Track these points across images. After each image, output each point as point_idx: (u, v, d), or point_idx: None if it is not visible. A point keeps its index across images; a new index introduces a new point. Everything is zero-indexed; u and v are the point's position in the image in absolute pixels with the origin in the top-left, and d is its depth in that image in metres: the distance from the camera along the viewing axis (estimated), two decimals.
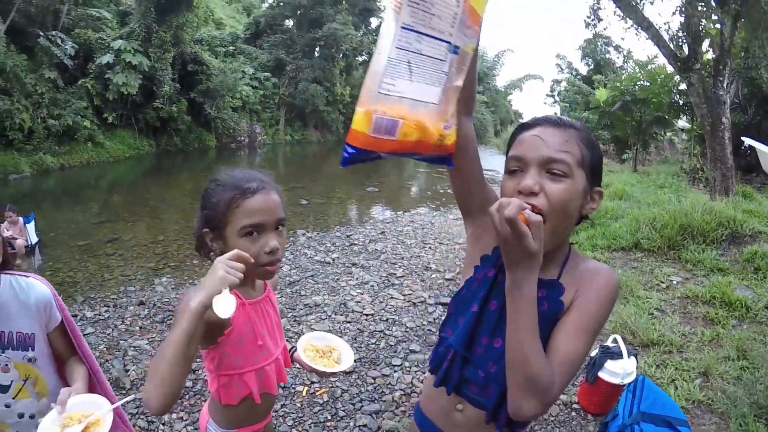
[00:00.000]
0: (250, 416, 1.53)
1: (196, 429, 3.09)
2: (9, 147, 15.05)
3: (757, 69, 12.73)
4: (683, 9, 9.66)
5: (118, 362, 3.90)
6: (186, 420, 3.19)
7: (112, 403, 1.47)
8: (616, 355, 3.18)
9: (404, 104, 1.03)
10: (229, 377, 1.42)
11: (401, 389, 3.61)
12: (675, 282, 5.37)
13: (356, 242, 7.76)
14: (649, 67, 16.65)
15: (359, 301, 5.25)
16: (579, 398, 3.39)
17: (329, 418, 3.25)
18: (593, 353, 3.29)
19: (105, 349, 4.14)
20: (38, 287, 1.55)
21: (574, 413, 3.33)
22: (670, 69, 13.61)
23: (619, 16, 10.91)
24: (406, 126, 1.03)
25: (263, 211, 1.33)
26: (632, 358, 3.20)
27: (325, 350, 1.64)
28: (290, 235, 7.92)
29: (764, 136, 14.07)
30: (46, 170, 15.73)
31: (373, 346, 4.29)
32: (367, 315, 4.93)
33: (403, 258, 6.93)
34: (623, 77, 18.61)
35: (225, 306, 1.16)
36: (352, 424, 3.21)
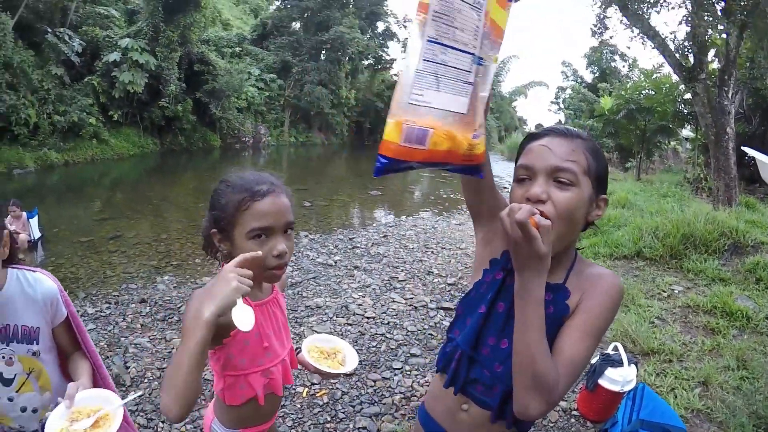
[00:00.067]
0: (255, 417, 1.53)
1: (195, 427, 3.10)
2: (14, 142, 15.12)
3: (762, 79, 12.71)
4: (689, 19, 9.65)
5: (118, 359, 3.91)
6: (186, 419, 3.18)
7: None
8: (617, 362, 3.18)
9: (433, 114, 1.05)
10: (235, 378, 1.42)
11: (401, 393, 3.62)
12: (676, 291, 5.37)
13: (359, 245, 7.77)
14: (654, 75, 16.63)
15: (361, 304, 5.26)
16: (578, 405, 3.39)
17: (329, 419, 3.26)
18: (594, 360, 3.30)
19: (106, 345, 4.15)
20: (45, 282, 1.56)
21: (573, 420, 3.33)
22: (675, 78, 13.61)
23: (625, 24, 10.92)
24: (436, 135, 1.06)
25: (272, 214, 1.32)
26: (632, 366, 3.20)
27: (330, 352, 1.65)
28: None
29: None
30: (51, 166, 15.80)
31: (374, 349, 4.29)
32: (368, 318, 4.93)
33: (405, 262, 6.94)
34: (628, 85, 18.60)
35: (245, 319, 1.19)
36: (351, 426, 3.21)
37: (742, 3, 8.86)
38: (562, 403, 3.48)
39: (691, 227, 6.36)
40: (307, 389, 3.54)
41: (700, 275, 5.73)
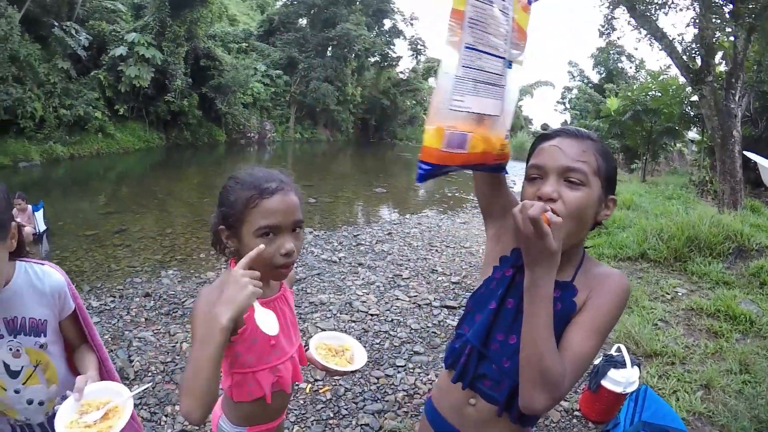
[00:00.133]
0: (264, 414, 1.53)
1: None
2: (20, 135, 15.17)
3: None
4: (697, 21, 9.62)
5: (122, 353, 3.92)
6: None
7: None
8: (620, 364, 3.18)
9: (471, 118, 1.10)
10: (243, 375, 1.41)
11: (404, 390, 3.63)
12: (680, 293, 5.37)
13: (363, 242, 7.78)
14: (661, 77, 16.58)
15: (365, 301, 5.27)
16: (581, 405, 3.40)
17: (332, 415, 3.27)
18: (597, 361, 3.30)
19: (110, 339, 4.17)
20: (53, 275, 1.56)
21: (575, 420, 3.34)
22: (682, 80, 13.57)
23: (632, 25, 10.90)
24: (474, 139, 1.10)
25: (281, 212, 1.30)
26: (635, 367, 3.21)
27: (338, 349, 1.64)
28: None
29: None
30: (56, 159, 15.85)
31: (378, 346, 4.30)
32: (372, 315, 4.94)
33: (409, 260, 6.94)
34: (635, 87, 18.55)
35: (270, 322, 1.24)
36: (354, 422, 3.22)
37: (751, 6, 8.82)
38: (564, 404, 3.48)
39: (695, 230, 6.35)
40: (310, 385, 3.55)
41: (704, 278, 5.73)
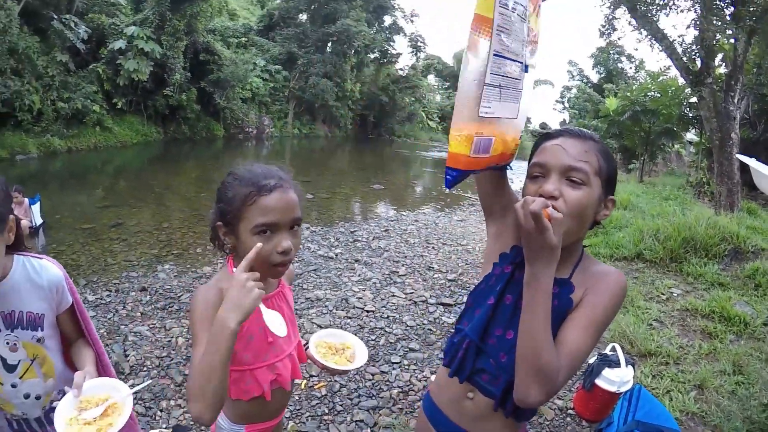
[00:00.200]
0: (262, 413, 1.52)
1: None
2: (18, 128, 15.12)
3: None
4: (698, 23, 9.63)
5: (118, 347, 3.92)
6: (184, 407, 3.21)
7: None
8: (614, 363, 3.19)
9: (495, 123, 1.13)
10: (240, 373, 1.40)
11: (399, 387, 3.64)
12: (675, 294, 5.38)
13: (360, 239, 7.78)
14: (660, 78, 16.58)
15: (361, 298, 5.28)
16: (575, 404, 3.41)
17: (326, 411, 3.28)
18: (591, 360, 3.31)
19: (105, 333, 4.16)
20: (51, 269, 1.56)
21: (569, 419, 3.35)
22: (681, 81, 13.58)
23: (633, 26, 10.91)
24: (496, 142, 1.15)
25: (279, 210, 1.29)
26: (629, 367, 3.22)
27: (339, 347, 1.63)
28: None
29: None
30: (54, 152, 15.81)
31: (373, 342, 4.31)
32: (368, 311, 4.95)
33: (406, 257, 6.95)
34: (634, 87, 18.57)
35: (278, 324, 1.27)
36: (349, 418, 3.23)
37: (752, 9, 8.84)
38: (559, 402, 3.49)
39: (692, 231, 6.36)
40: (305, 381, 3.55)
41: (699, 279, 5.74)
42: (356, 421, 3.21)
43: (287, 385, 1.51)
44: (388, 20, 40.17)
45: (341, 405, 3.36)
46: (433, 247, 7.56)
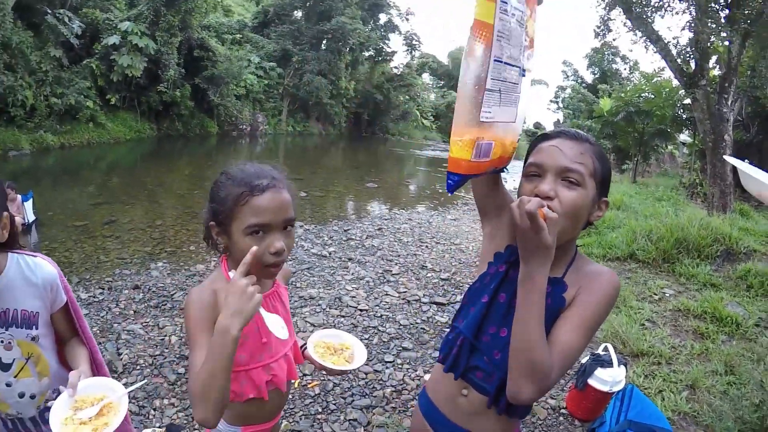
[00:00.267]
0: (259, 414, 1.51)
1: (187, 415, 3.11)
2: (10, 123, 15.04)
3: (762, 88, 12.76)
4: (693, 25, 9.67)
5: (111, 345, 3.90)
6: (177, 406, 3.21)
7: None
8: (607, 363, 3.20)
9: (495, 127, 1.16)
10: (235, 374, 1.38)
11: (392, 386, 3.64)
12: (668, 294, 5.41)
13: (353, 237, 7.78)
14: (654, 79, 16.66)
15: (354, 296, 5.28)
16: (567, 404, 3.42)
17: (320, 410, 3.28)
18: (584, 360, 3.33)
19: (98, 331, 4.14)
20: (46, 267, 1.56)
21: (562, 418, 3.36)
22: (675, 83, 13.65)
23: (628, 27, 10.94)
24: (495, 146, 1.17)
25: (271, 210, 1.28)
26: (622, 367, 3.23)
27: (337, 348, 1.63)
28: None
29: (765, 154, 14.14)
30: (46, 148, 15.73)
31: (366, 341, 4.31)
32: (361, 310, 4.95)
33: (399, 255, 6.96)
34: (628, 88, 18.65)
35: (280, 327, 1.27)
36: (342, 417, 3.23)
37: (746, 12, 8.88)
38: (551, 402, 3.51)
39: (684, 232, 6.39)
40: (298, 381, 3.55)
41: (691, 280, 5.77)
42: (349, 419, 3.21)
43: (283, 386, 1.50)
44: (383, 18, 40.18)
45: (335, 404, 3.36)
46: (426, 246, 7.57)
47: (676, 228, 6.50)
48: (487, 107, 1.11)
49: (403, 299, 5.33)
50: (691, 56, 10.13)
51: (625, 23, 11.03)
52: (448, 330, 1.48)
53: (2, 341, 1.49)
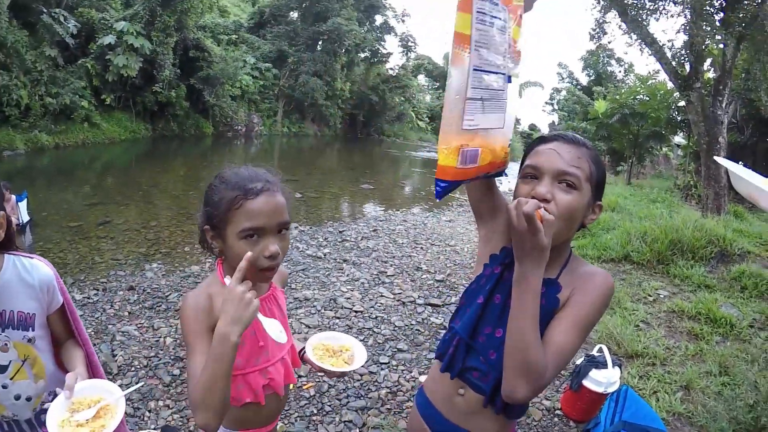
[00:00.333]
0: (257, 419, 1.51)
1: (183, 417, 3.10)
2: (5, 123, 14.99)
3: (756, 91, 12.82)
4: (688, 28, 9.71)
5: (105, 347, 3.89)
6: (173, 408, 3.20)
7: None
8: (601, 364, 3.21)
9: (480, 134, 1.18)
10: (232, 378, 1.34)
11: (387, 387, 3.64)
12: (662, 296, 5.42)
13: (348, 238, 7.78)
14: (649, 82, 16.74)
15: (349, 298, 5.27)
16: (562, 405, 3.43)
17: (315, 412, 3.28)
18: (578, 361, 3.33)
19: (93, 333, 4.12)
20: (42, 269, 1.55)
21: (556, 419, 3.37)
22: (670, 85, 13.70)
23: (623, 30, 10.98)
24: (483, 152, 1.19)
25: (265, 213, 1.27)
26: (616, 368, 3.24)
27: (336, 349, 1.62)
28: None
29: (760, 157, 14.22)
30: (41, 148, 15.67)
31: (361, 343, 4.29)
32: (356, 312, 4.95)
33: (394, 257, 6.96)
34: (623, 90, 18.71)
35: (279, 331, 1.28)
36: (337, 419, 3.23)
37: (741, 15, 8.93)
38: (546, 403, 3.51)
39: (679, 233, 6.40)
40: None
41: (686, 281, 5.78)
42: (345, 421, 3.21)
43: (280, 390, 1.49)
44: (379, 19, 40.17)
45: (330, 405, 3.36)
46: (421, 248, 7.57)
47: (671, 230, 6.52)
48: (470, 115, 1.13)
49: (398, 301, 5.33)
50: (686, 59, 10.18)
51: (620, 26, 11.08)
52: (443, 331, 1.49)
53: None
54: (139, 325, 4.34)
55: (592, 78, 32.91)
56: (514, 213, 1.10)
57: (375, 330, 4.58)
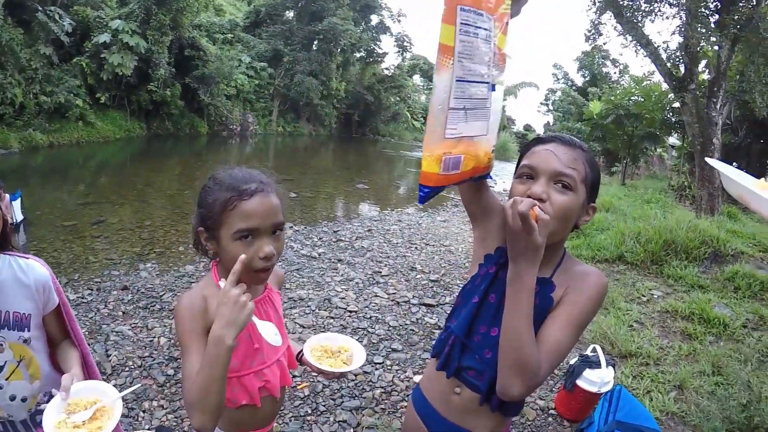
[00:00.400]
0: (252, 421, 1.50)
1: (177, 417, 3.10)
2: None
3: (751, 93, 12.84)
4: (683, 29, 9.75)
5: (99, 347, 3.88)
6: (167, 408, 3.19)
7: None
8: (595, 364, 3.22)
9: (464, 142, 1.20)
10: (228, 380, 1.32)
11: (382, 387, 3.64)
12: (656, 296, 5.44)
13: (343, 238, 7.77)
14: (644, 83, 16.76)
15: (344, 298, 5.27)
16: (556, 404, 3.44)
17: (309, 412, 3.27)
18: (572, 361, 3.34)
19: (87, 332, 4.10)
20: (38, 269, 1.54)
21: (551, 419, 3.38)
22: (665, 87, 13.75)
23: (618, 31, 11.01)
24: (465, 159, 1.21)
25: (259, 214, 1.27)
26: (610, 368, 3.25)
27: (334, 350, 1.61)
28: None
29: (753, 158, 14.29)
30: (35, 147, 15.60)
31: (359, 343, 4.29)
32: (350, 312, 4.94)
33: (388, 257, 6.96)
34: (618, 91, 18.73)
35: (274, 334, 1.28)
36: (332, 419, 3.23)
37: (736, 17, 8.96)
38: (540, 402, 3.52)
39: (673, 234, 6.43)
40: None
41: (679, 281, 5.81)
42: (339, 421, 3.21)
43: (276, 392, 1.48)
44: (374, 19, 40.15)
45: (324, 405, 3.36)
46: (416, 248, 7.58)
47: (665, 230, 6.54)
48: (453, 124, 1.15)
49: (393, 300, 5.33)
50: (681, 60, 10.22)
51: (615, 27, 11.12)
52: (438, 331, 1.50)
53: None
54: (133, 325, 4.32)
55: (587, 79, 32.96)
56: (509, 212, 1.11)
57: (369, 330, 4.58)
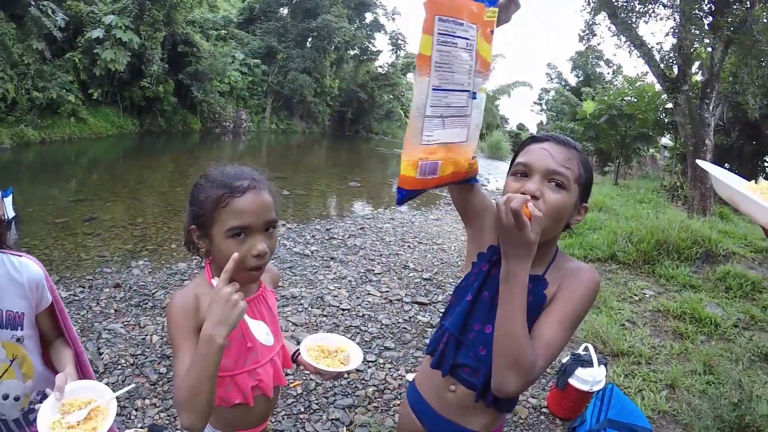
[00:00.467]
0: (245, 420, 1.50)
1: (169, 415, 3.09)
2: None
3: (743, 94, 12.92)
4: (676, 31, 9.79)
5: (92, 345, 3.85)
6: (159, 406, 3.18)
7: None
8: (587, 363, 3.24)
9: (441, 148, 1.23)
10: (221, 379, 1.35)
11: (374, 385, 3.64)
12: (648, 295, 5.47)
13: (336, 236, 7.77)
14: (637, 83, 16.83)
15: (336, 296, 5.27)
16: (548, 403, 3.45)
17: (302, 410, 3.27)
18: (564, 360, 3.35)
19: (79, 331, 4.07)
20: (31, 267, 1.53)
21: (543, 417, 3.39)
22: (658, 87, 13.80)
23: (612, 32, 11.05)
24: (443, 164, 1.24)
25: (252, 212, 1.26)
26: (602, 366, 3.26)
27: (331, 350, 1.61)
28: None
29: (745, 159, 14.37)
30: (27, 143, 15.47)
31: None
32: (343, 310, 4.94)
33: (381, 255, 6.96)
34: (611, 92, 18.80)
35: (265, 333, 1.30)
36: (324, 417, 3.23)
37: (730, 19, 9.02)
38: (533, 401, 3.53)
39: (665, 234, 6.46)
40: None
41: (671, 281, 5.84)
42: (332, 419, 3.21)
43: (270, 392, 1.47)
44: (369, 17, 40.10)
45: (317, 403, 3.36)
46: (408, 246, 7.58)
47: (657, 230, 6.58)
48: (429, 131, 1.19)
49: (385, 299, 5.33)
50: (674, 61, 10.27)
51: (609, 28, 11.15)
52: (430, 329, 1.52)
53: None
54: (125, 323, 4.30)
55: (580, 79, 33.03)
56: (502, 208, 1.11)
57: (362, 328, 4.58)
